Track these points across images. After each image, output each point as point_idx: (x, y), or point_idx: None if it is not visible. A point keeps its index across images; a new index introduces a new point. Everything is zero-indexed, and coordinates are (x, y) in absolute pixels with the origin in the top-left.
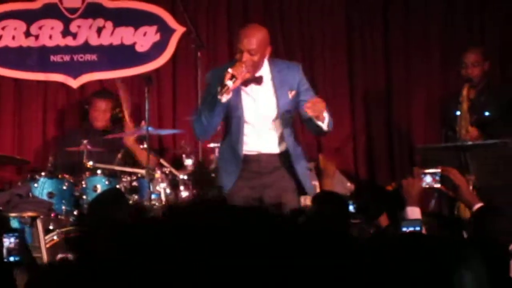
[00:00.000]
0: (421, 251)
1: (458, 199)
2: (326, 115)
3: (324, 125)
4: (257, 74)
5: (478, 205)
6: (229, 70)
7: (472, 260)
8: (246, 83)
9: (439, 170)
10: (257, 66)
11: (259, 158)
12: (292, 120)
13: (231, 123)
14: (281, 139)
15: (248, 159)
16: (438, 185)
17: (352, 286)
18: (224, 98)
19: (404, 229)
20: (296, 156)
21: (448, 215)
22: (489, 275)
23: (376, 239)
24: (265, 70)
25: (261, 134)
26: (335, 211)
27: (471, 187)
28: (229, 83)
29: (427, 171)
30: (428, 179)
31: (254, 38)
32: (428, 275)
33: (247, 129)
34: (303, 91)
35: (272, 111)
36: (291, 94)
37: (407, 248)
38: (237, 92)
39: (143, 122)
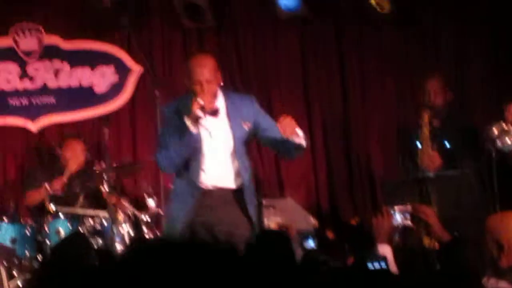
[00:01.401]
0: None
1: (429, 236)
2: (298, 130)
3: (302, 140)
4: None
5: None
6: (199, 100)
7: None
8: (203, 112)
9: (408, 208)
10: (215, 95)
11: (212, 192)
12: (247, 154)
13: (188, 156)
14: (237, 173)
15: (203, 192)
16: (408, 223)
17: None
18: (195, 129)
19: (370, 266)
20: (250, 192)
21: (414, 248)
22: None
23: (324, 275)
24: (219, 103)
25: (217, 168)
26: (280, 251)
27: None
28: (200, 113)
29: (396, 209)
30: (398, 217)
31: (208, 66)
32: None
33: (205, 162)
34: (263, 121)
35: (228, 144)
36: (246, 126)
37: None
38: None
39: (102, 163)
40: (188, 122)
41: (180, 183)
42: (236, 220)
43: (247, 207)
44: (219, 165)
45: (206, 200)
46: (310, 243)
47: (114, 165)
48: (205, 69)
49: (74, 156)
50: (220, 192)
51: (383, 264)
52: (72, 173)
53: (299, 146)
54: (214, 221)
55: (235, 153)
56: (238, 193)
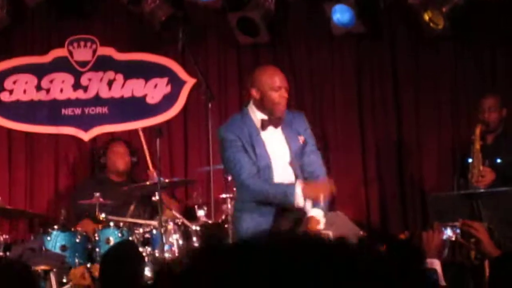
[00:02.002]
0: None
1: (479, 252)
2: (322, 204)
3: (309, 209)
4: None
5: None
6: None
7: None
8: (265, 125)
9: (459, 223)
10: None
11: None
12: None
13: (258, 173)
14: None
15: None
16: (458, 238)
17: None
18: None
19: None
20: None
21: (464, 263)
22: None
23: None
24: None
25: (282, 179)
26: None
27: None
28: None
29: (447, 224)
30: (448, 232)
31: (283, 75)
32: None
33: (273, 176)
34: (308, 143)
35: (287, 156)
36: (301, 140)
37: None
38: (261, 142)
39: (154, 174)
40: (300, 203)
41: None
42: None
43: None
44: (281, 176)
45: (283, 209)
46: None
47: (167, 180)
48: (282, 77)
49: (118, 157)
50: None
51: (434, 276)
52: (119, 171)
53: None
54: (293, 220)
55: (294, 165)
56: None
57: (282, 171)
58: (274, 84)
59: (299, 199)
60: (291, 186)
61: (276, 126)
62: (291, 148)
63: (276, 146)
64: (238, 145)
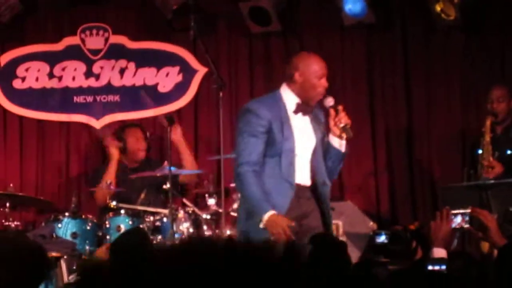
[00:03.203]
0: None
1: (486, 240)
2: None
3: (343, 144)
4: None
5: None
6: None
7: None
8: (298, 109)
9: (469, 211)
10: None
11: (300, 188)
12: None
13: (280, 155)
14: (315, 172)
15: (296, 187)
16: (467, 226)
17: None
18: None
19: (430, 267)
20: (326, 192)
21: (471, 253)
22: None
23: (395, 277)
24: None
25: (301, 166)
26: (333, 254)
27: None
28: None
29: (457, 211)
30: (458, 219)
31: (326, 63)
32: None
33: (296, 161)
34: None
35: (311, 143)
36: (324, 129)
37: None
38: (290, 125)
39: (165, 162)
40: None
41: (272, 179)
42: (317, 216)
43: (322, 208)
44: (303, 163)
45: (298, 194)
46: (382, 238)
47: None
48: (325, 65)
49: (137, 142)
50: (303, 189)
51: (443, 266)
52: (137, 160)
53: (339, 153)
54: (303, 214)
55: (316, 153)
56: (312, 190)
57: (304, 158)
58: (319, 71)
59: (261, 223)
60: (266, 206)
61: (306, 113)
62: (316, 137)
63: (303, 132)
64: (261, 124)
